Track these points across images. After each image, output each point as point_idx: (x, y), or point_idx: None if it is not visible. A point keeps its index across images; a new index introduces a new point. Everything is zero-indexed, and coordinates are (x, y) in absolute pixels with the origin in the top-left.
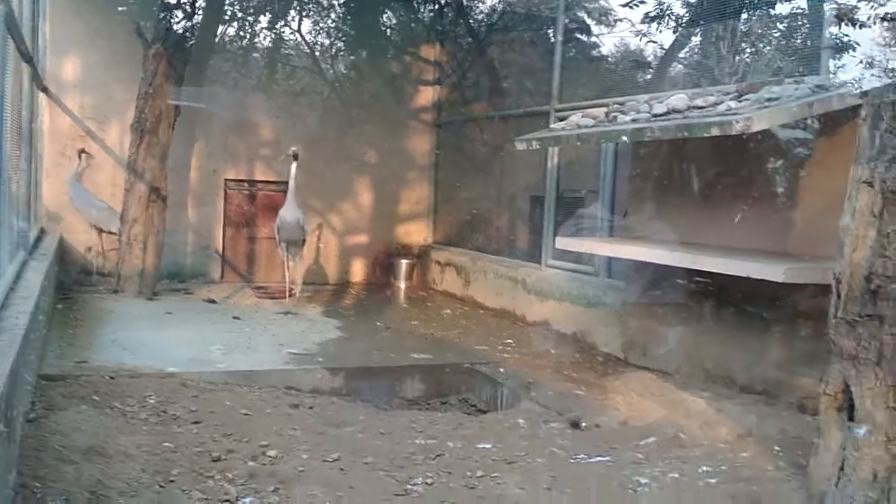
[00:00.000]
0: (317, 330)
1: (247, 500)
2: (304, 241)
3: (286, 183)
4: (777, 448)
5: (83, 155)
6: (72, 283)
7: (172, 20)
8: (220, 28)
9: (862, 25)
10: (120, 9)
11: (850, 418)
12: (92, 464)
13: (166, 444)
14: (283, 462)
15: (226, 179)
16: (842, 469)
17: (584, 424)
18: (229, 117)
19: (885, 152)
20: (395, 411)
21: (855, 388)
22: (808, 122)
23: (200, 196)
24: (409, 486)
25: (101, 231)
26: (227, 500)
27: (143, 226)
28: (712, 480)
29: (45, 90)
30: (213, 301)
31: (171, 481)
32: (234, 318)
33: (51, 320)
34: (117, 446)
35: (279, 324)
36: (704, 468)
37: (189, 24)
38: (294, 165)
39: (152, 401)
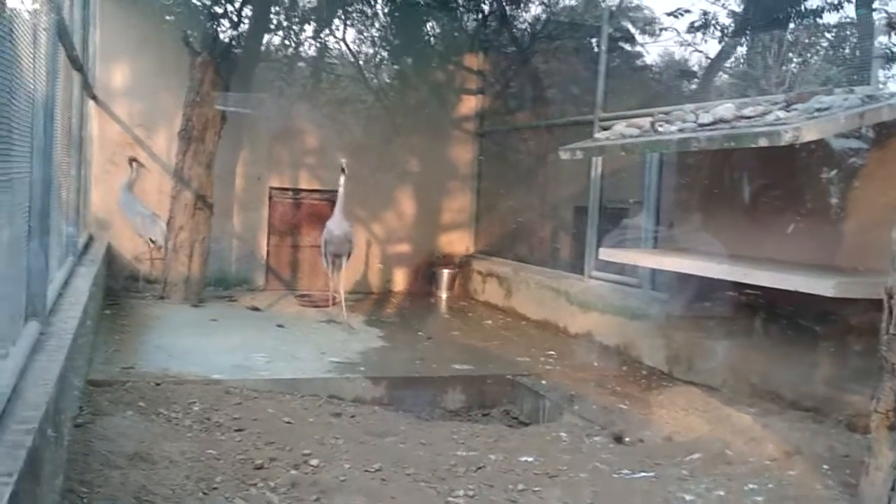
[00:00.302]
0: (359, 339)
1: None
2: (350, 253)
3: (332, 192)
4: (825, 466)
5: (134, 164)
6: (119, 289)
7: (219, 29)
8: (266, 37)
9: None
10: (168, 18)
11: None
12: (137, 469)
13: (210, 451)
14: (324, 471)
15: (270, 187)
16: (893, 489)
17: (627, 439)
18: (274, 125)
19: None
20: (437, 422)
21: None
22: (859, 132)
23: (245, 203)
24: (450, 499)
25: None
26: None
27: (189, 233)
28: (759, 499)
29: (94, 98)
30: (257, 309)
31: (215, 489)
32: (278, 325)
33: (98, 326)
34: (162, 452)
35: (322, 332)
36: (751, 486)
37: (235, 32)
38: (342, 178)
39: (196, 408)
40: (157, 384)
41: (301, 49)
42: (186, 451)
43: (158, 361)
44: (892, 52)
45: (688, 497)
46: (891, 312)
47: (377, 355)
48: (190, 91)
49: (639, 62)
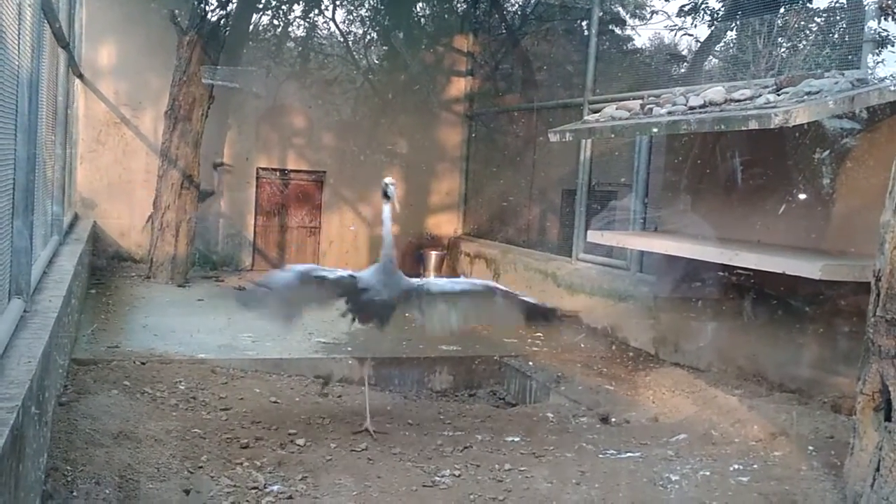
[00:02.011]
0: (346, 319)
1: (274, 487)
2: None
3: (320, 172)
4: (811, 448)
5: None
6: (104, 268)
7: (207, 8)
8: (255, 16)
9: None
10: None
11: (888, 419)
12: (122, 448)
13: (195, 430)
14: (311, 450)
15: (258, 168)
16: (878, 470)
17: (613, 420)
18: (262, 105)
19: None
20: (424, 402)
21: (893, 387)
22: (849, 116)
23: (233, 184)
24: (436, 478)
25: None
26: (256, 488)
27: (175, 212)
28: (744, 479)
29: (80, 76)
30: (243, 289)
31: (200, 467)
32: None
33: (83, 305)
34: (147, 431)
35: (309, 312)
36: (736, 466)
37: (223, 12)
38: (387, 207)
39: (182, 387)
40: (143, 363)
41: (290, 29)
42: (172, 430)
43: (144, 341)
44: (882, 37)
45: (673, 477)
46: (878, 295)
47: (364, 336)
48: (177, 70)
49: (629, 45)
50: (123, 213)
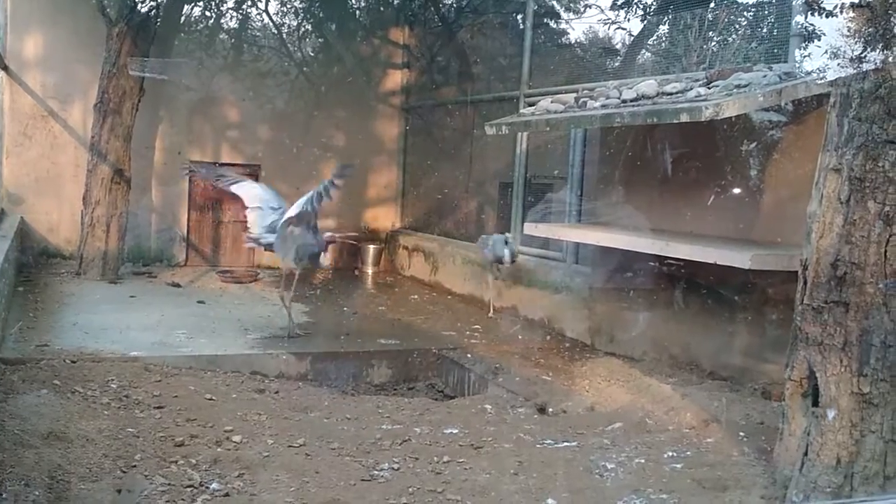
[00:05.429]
0: (283, 315)
1: (213, 485)
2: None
3: (255, 166)
4: (742, 434)
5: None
6: (33, 265)
7: None
8: (186, 7)
9: (828, 14)
10: None
11: (815, 404)
12: (52, 448)
13: (128, 429)
14: (247, 447)
15: (191, 161)
16: (806, 454)
17: (550, 410)
18: (194, 97)
19: (853, 140)
20: (362, 396)
21: (820, 374)
22: (776, 109)
23: (165, 178)
24: (375, 472)
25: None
26: (191, 486)
27: (105, 208)
28: (678, 466)
29: (5, 68)
30: (177, 285)
31: (134, 466)
32: (199, 302)
33: (10, 303)
34: (78, 431)
35: (244, 308)
36: (670, 453)
37: (154, 3)
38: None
39: (114, 385)
40: (73, 362)
41: (222, 20)
42: (104, 430)
43: (74, 339)
44: (808, 31)
45: (609, 465)
46: (805, 284)
47: (302, 331)
48: (106, 62)
49: (564, 39)
50: (52, 208)
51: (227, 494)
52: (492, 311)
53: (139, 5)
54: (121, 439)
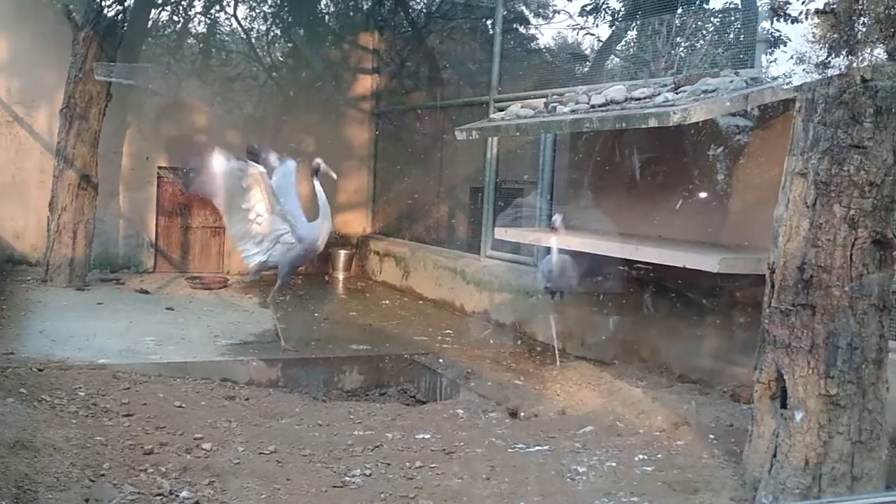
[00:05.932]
0: (253, 321)
1: (182, 493)
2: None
3: None
4: (712, 436)
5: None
6: None
7: (103, 3)
8: (153, 12)
9: (794, 20)
10: None
11: (784, 406)
12: (19, 458)
13: (97, 437)
14: (218, 455)
15: (159, 167)
16: (775, 456)
17: (522, 414)
18: (162, 102)
19: (819, 144)
20: (334, 402)
21: (788, 376)
22: (742, 114)
23: (133, 184)
24: (346, 478)
25: None
26: (161, 494)
27: (72, 214)
28: (649, 468)
29: None
30: (145, 291)
31: (102, 475)
32: (168, 308)
33: None
34: (45, 440)
35: (214, 315)
36: (641, 456)
37: (120, 7)
38: (317, 182)
39: (82, 393)
40: (40, 370)
41: (190, 25)
42: (72, 438)
43: (41, 347)
44: (774, 37)
45: (581, 469)
46: (773, 287)
47: (272, 337)
48: (72, 67)
49: (533, 44)
50: (17, 214)
51: (197, 502)
52: (558, 360)
53: (106, 10)
54: (89, 448)
